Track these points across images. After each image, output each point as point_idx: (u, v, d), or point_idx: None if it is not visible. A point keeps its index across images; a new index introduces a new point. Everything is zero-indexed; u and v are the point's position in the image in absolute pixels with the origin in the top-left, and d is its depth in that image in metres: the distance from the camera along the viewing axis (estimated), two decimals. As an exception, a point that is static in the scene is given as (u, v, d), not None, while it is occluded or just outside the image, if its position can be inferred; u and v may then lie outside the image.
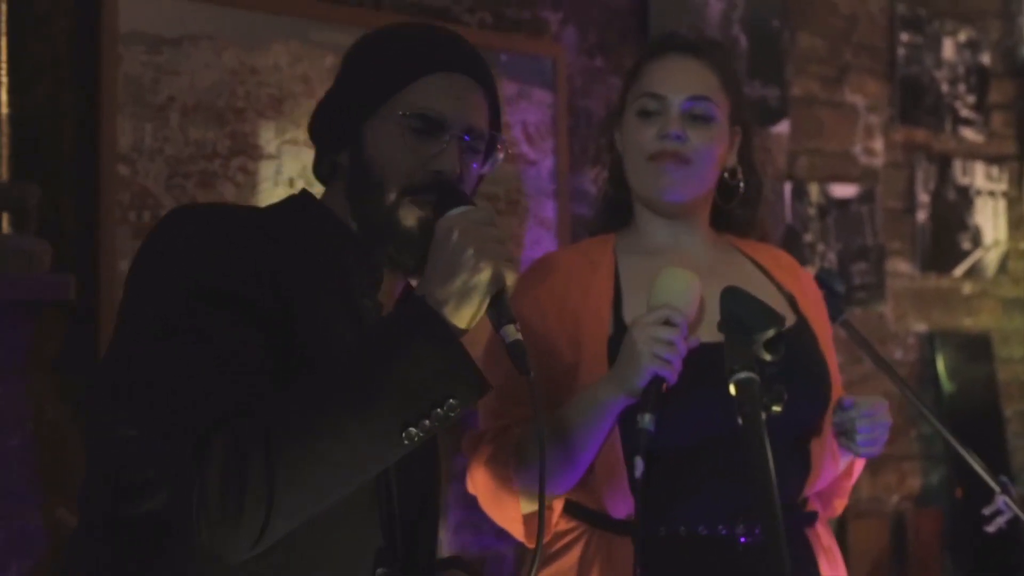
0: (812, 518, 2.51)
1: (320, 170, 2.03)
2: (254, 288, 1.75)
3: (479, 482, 2.43)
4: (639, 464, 2.08)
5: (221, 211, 1.92)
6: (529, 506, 2.39)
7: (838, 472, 2.55)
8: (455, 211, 1.83)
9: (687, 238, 2.55)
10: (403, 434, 1.70)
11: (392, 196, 1.90)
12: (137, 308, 1.78)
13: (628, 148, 2.53)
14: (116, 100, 3.20)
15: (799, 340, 2.47)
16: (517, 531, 2.44)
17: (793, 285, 2.61)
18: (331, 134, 1.98)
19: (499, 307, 1.79)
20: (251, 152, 3.48)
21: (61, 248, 3.06)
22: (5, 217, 2.97)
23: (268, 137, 3.51)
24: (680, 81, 2.50)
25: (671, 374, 2.16)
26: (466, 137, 1.93)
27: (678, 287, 2.22)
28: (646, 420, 2.10)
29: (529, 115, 4.07)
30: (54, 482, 3.07)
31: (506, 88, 4.02)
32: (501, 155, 2.02)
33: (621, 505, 2.36)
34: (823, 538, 2.52)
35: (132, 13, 3.23)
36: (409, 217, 1.90)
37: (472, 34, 3.96)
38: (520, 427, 2.38)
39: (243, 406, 1.66)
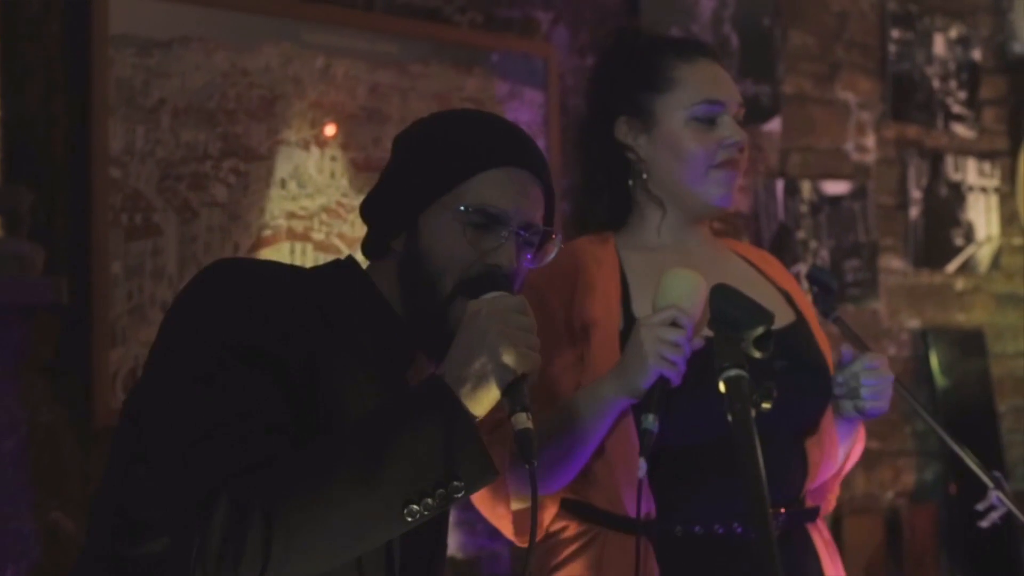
0: (814, 514, 2.51)
1: (370, 250, 2.03)
2: (284, 348, 1.76)
3: None
4: (642, 465, 2.07)
5: (264, 268, 1.92)
6: (519, 503, 2.39)
7: (838, 466, 2.55)
8: (489, 295, 1.83)
9: (689, 237, 2.55)
10: (404, 510, 1.69)
11: (447, 289, 1.90)
12: (169, 354, 1.80)
13: (681, 156, 2.48)
14: (107, 103, 3.20)
15: (798, 336, 2.48)
16: (507, 529, 2.43)
17: (787, 283, 2.62)
18: (387, 218, 1.97)
19: (515, 394, 1.78)
20: (243, 153, 3.48)
21: (54, 251, 3.06)
22: (-3, 221, 2.97)
23: (259, 138, 3.51)
24: (727, 87, 2.51)
25: (676, 375, 2.15)
26: (522, 232, 1.94)
27: (685, 288, 2.21)
28: (650, 420, 2.10)
29: (521, 115, 4.07)
30: (48, 485, 3.07)
31: (497, 88, 4.02)
32: (552, 252, 2.02)
33: (640, 505, 2.36)
34: (823, 533, 2.53)
35: (122, 16, 3.23)
36: (460, 314, 1.87)
37: (463, 34, 3.97)
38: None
39: (255, 464, 1.66)
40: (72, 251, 3.16)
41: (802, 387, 2.33)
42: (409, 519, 1.70)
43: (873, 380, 2.40)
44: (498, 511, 2.41)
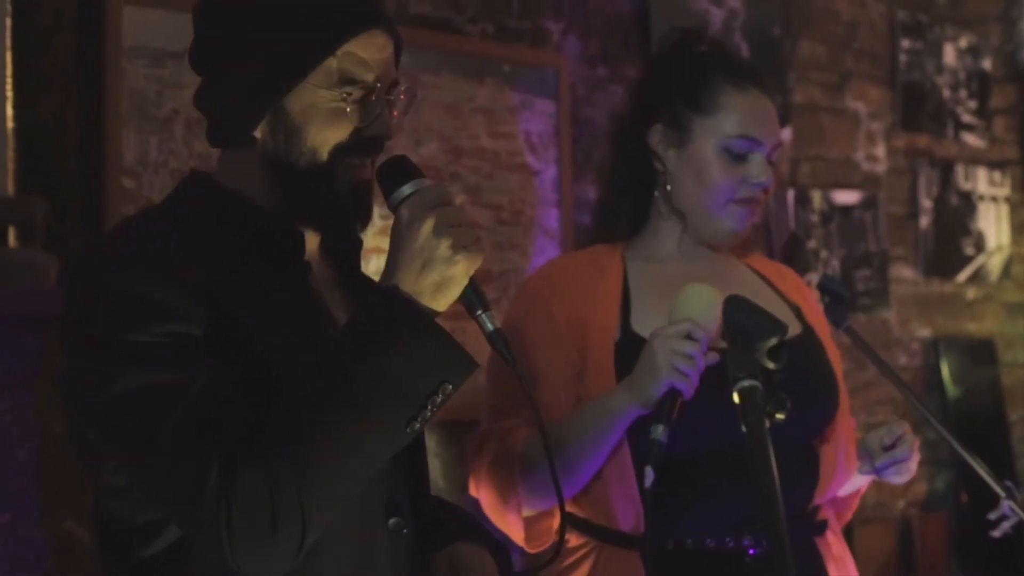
0: (822, 527, 2.51)
1: (224, 139, 1.94)
2: (190, 314, 1.72)
3: (483, 485, 2.42)
4: (649, 474, 2.06)
5: (122, 241, 1.83)
6: (529, 510, 2.39)
7: (850, 479, 2.56)
8: (408, 189, 1.79)
9: (699, 250, 2.55)
10: (408, 429, 1.71)
11: (326, 159, 1.85)
12: (85, 373, 1.74)
13: (704, 182, 2.47)
14: (121, 114, 3.21)
15: (806, 349, 2.48)
16: (518, 536, 2.43)
17: (798, 296, 2.62)
18: (244, 107, 1.88)
19: (471, 293, 1.79)
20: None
21: (68, 262, 3.07)
22: (12, 231, 2.97)
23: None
24: (770, 126, 2.49)
25: (688, 388, 2.14)
26: (393, 98, 1.90)
27: (701, 303, 2.20)
28: (659, 432, 2.08)
29: (532, 125, 4.08)
30: (61, 495, 3.07)
31: (509, 98, 4.03)
32: (414, 97, 1.95)
33: (631, 515, 2.36)
34: (834, 547, 2.52)
35: (136, 27, 3.24)
36: (344, 180, 1.86)
37: (474, 44, 3.98)
38: (528, 428, 2.38)
39: (237, 432, 1.66)
40: (85, 261, 3.16)
41: (806, 400, 2.33)
42: (409, 431, 1.72)
43: (910, 463, 2.50)
44: (509, 519, 2.41)
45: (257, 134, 1.88)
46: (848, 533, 4.99)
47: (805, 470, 2.43)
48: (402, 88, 1.93)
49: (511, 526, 2.43)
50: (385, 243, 1.81)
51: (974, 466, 2.71)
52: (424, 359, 1.71)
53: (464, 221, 1.76)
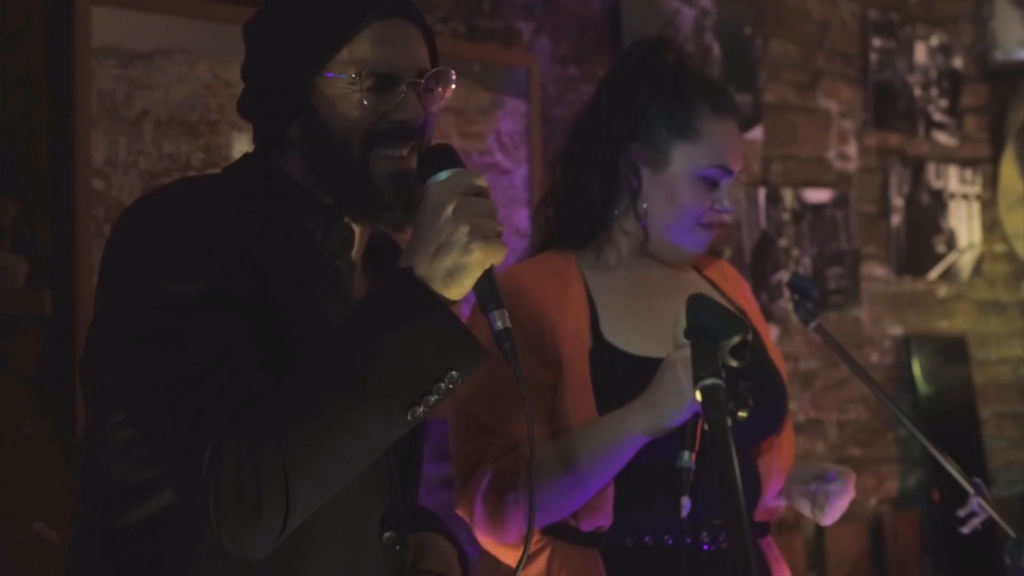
0: (765, 529, 2.55)
1: (267, 145, 1.96)
2: (231, 277, 1.73)
3: (478, 505, 2.39)
4: (686, 504, 2.03)
5: (178, 196, 1.85)
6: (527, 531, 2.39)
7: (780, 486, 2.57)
8: (443, 175, 1.78)
9: (648, 258, 2.57)
10: (409, 414, 1.70)
11: (358, 151, 1.86)
12: (116, 315, 1.76)
13: (675, 205, 2.51)
14: (90, 114, 3.20)
15: (754, 352, 2.49)
16: (513, 556, 2.41)
17: (740, 298, 2.65)
18: (277, 109, 1.90)
19: (486, 287, 1.77)
20: (225, 164, 3.47)
21: (37, 263, 3.06)
22: (-20, 233, 2.97)
23: (242, 149, 3.48)
24: (740, 152, 2.55)
25: None
26: (419, 81, 1.89)
27: None
28: (687, 459, 2.07)
29: (503, 124, 4.08)
30: (32, 497, 3.07)
31: (480, 97, 4.03)
32: (452, 86, 1.96)
33: (598, 519, 2.37)
34: (774, 548, 2.56)
35: (105, 28, 3.23)
36: (381, 170, 1.86)
37: (445, 44, 3.98)
38: (525, 449, 2.34)
39: (246, 403, 1.66)
40: (55, 262, 3.16)
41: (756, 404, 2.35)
42: (410, 419, 1.71)
43: (841, 501, 2.47)
44: (507, 540, 2.38)
45: (295, 135, 1.89)
46: (820, 531, 5.02)
47: (751, 473, 2.45)
48: (434, 74, 1.92)
49: (506, 548, 2.41)
50: None
51: (943, 463, 2.72)
52: (430, 344, 1.69)
53: (490, 213, 1.75)
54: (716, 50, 4.86)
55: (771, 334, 3.36)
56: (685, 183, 2.50)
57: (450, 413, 2.49)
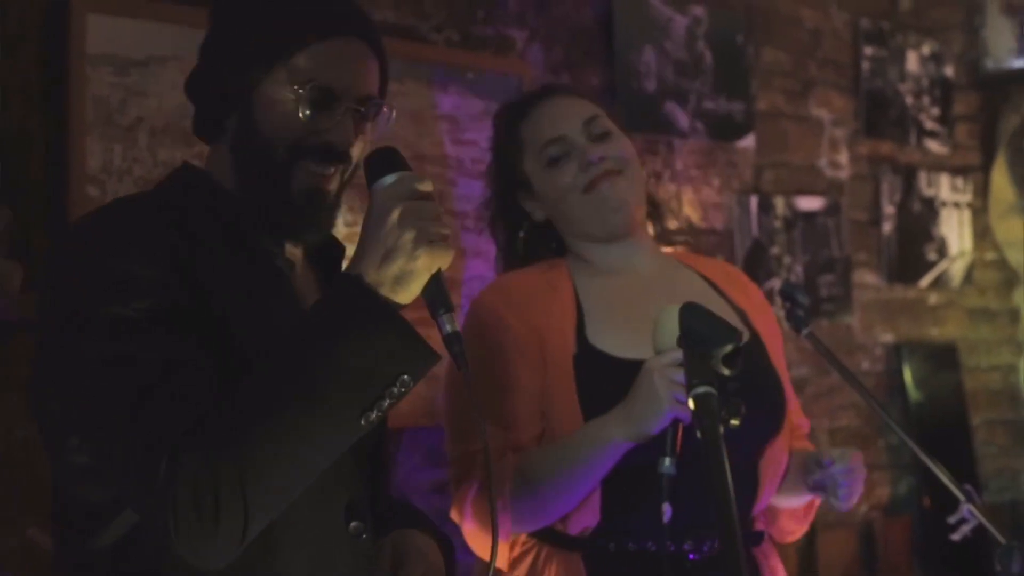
0: (759, 537, 2.54)
1: (203, 130, 1.98)
2: (172, 292, 1.73)
3: (468, 511, 2.41)
4: (667, 510, 2.03)
5: (111, 219, 1.84)
6: (516, 534, 2.40)
7: (776, 491, 2.57)
8: (389, 180, 1.79)
9: (637, 258, 2.57)
10: (362, 420, 1.71)
11: (284, 155, 1.86)
12: (60, 344, 1.75)
13: (557, 197, 2.55)
14: (85, 122, 3.21)
15: (751, 356, 2.49)
16: (504, 560, 2.43)
17: (743, 299, 2.64)
18: (217, 96, 1.91)
19: (435, 291, 1.77)
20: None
21: (32, 269, 3.06)
22: (-25, 239, 2.97)
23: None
24: (568, 115, 2.57)
25: (687, 415, 2.11)
26: (359, 108, 1.90)
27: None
28: (667, 465, 2.07)
29: (496, 132, 4.08)
30: (24, 502, 3.07)
31: (472, 106, 4.04)
32: (391, 117, 1.96)
33: (584, 522, 2.38)
34: (769, 558, 2.55)
35: (100, 35, 3.23)
36: (303, 182, 1.87)
37: (438, 52, 3.99)
38: (515, 454, 2.38)
39: (199, 416, 1.65)
40: (49, 269, 3.15)
41: (750, 407, 2.35)
42: (364, 423, 1.71)
43: (848, 482, 2.46)
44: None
45: (230, 126, 1.90)
46: (811, 538, 5.03)
47: (747, 479, 2.44)
48: (376, 104, 1.93)
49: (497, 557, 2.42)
50: None
51: (934, 470, 2.73)
52: (380, 349, 1.70)
53: (435, 217, 1.75)
54: (708, 58, 4.88)
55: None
56: (546, 178, 2.55)
57: (444, 420, 2.51)
